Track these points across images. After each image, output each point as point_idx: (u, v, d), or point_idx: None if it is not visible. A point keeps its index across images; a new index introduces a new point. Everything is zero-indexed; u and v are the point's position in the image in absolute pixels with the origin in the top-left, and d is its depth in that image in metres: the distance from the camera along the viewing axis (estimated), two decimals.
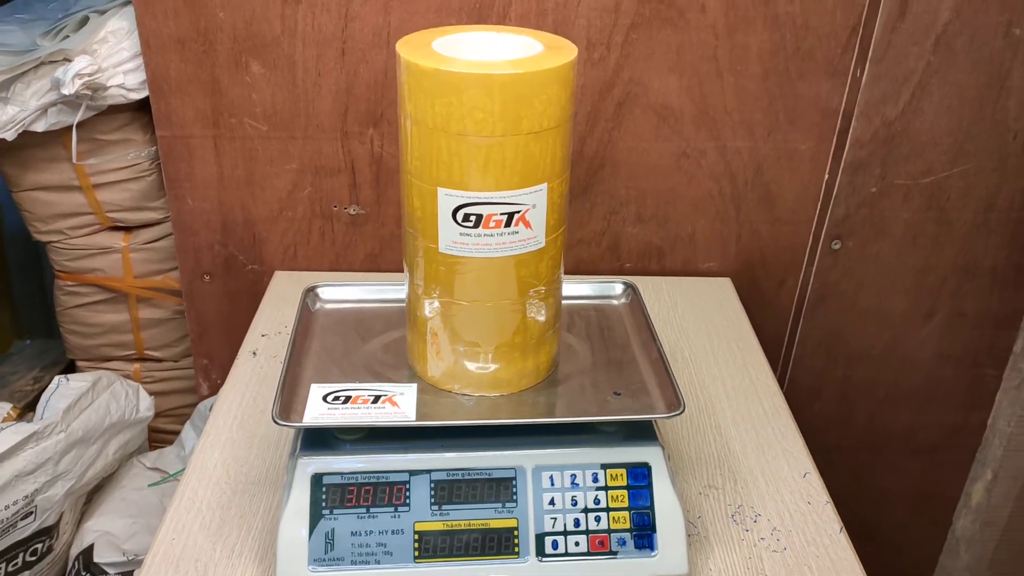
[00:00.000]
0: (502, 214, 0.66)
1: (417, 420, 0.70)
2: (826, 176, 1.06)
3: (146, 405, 1.16)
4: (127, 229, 1.15)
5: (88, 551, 1.07)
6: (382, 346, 0.79)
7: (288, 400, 0.71)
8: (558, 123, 0.66)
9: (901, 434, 1.22)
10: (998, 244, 1.09)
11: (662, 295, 1.09)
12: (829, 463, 1.07)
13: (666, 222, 1.09)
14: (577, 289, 0.87)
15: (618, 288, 0.87)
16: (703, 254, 1.12)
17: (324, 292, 0.85)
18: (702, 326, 1.03)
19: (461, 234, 0.67)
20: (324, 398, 0.71)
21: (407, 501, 0.69)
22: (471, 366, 0.73)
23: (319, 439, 0.71)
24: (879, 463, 1.25)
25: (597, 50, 0.99)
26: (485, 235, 0.67)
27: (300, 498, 0.68)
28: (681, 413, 0.70)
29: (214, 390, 1.19)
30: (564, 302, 0.79)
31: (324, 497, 0.69)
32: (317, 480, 0.69)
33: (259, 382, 0.91)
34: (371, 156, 1.04)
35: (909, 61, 0.98)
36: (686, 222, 1.09)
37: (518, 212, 0.67)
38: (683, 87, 1.01)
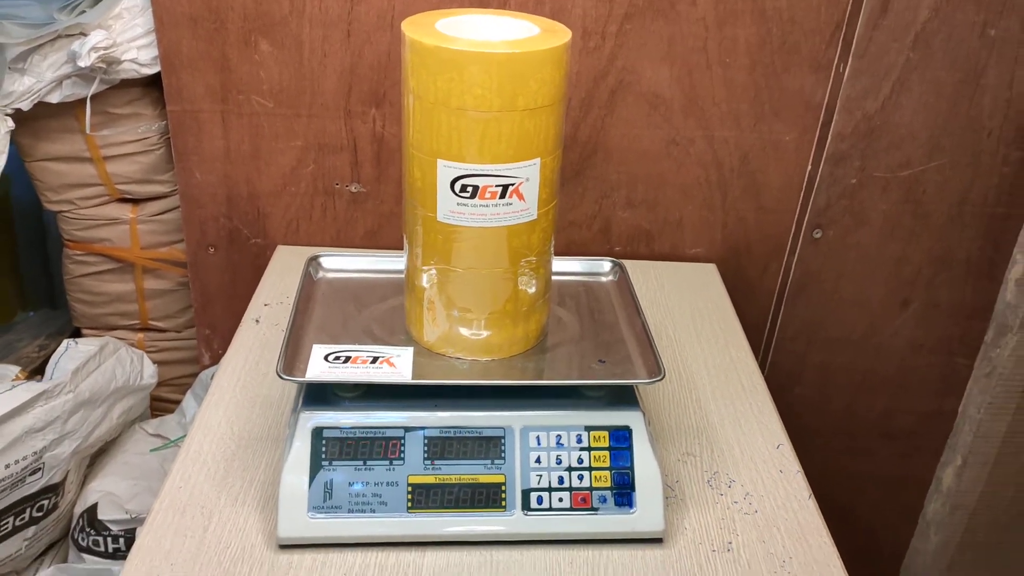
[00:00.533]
0: (497, 186, 0.71)
1: (412, 379, 0.74)
2: (808, 167, 1.11)
3: (150, 372, 1.20)
4: (135, 201, 1.19)
5: (92, 509, 1.11)
6: (381, 313, 0.84)
7: (291, 359, 0.75)
8: (552, 102, 0.70)
9: (877, 419, 1.27)
10: (972, 237, 1.14)
11: (650, 278, 1.13)
12: (807, 446, 1.11)
13: (655, 207, 1.14)
14: (567, 266, 0.91)
15: (606, 266, 0.92)
16: (690, 240, 1.16)
17: (326, 261, 0.89)
18: (687, 308, 1.08)
19: (458, 204, 0.71)
20: (325, 358, 0.76)
21: (401, 455, 0.73)
22: (464, 331, 0.77)
23: (320, 396, 0.76)
24: (855, 447, 1.29)
25: (592, 39, 1.03)
26: (480, 205, 0.71)
27: (301, 450, 0.73)
28: (661, 379, 0.74)
29: (215, 360, 1.23)
30: (555, 278, 0.84)
31: (324, 449, 0.73)
32: (317, 433, 0.73)
33: (261, 347, 0.95)
34: (373, 135, 1.08)
35: (889, 57, 1.02)
36: (674, 208, 1.14)
37: (512, 184, 0.71)
38: (674, 77, 1.06)
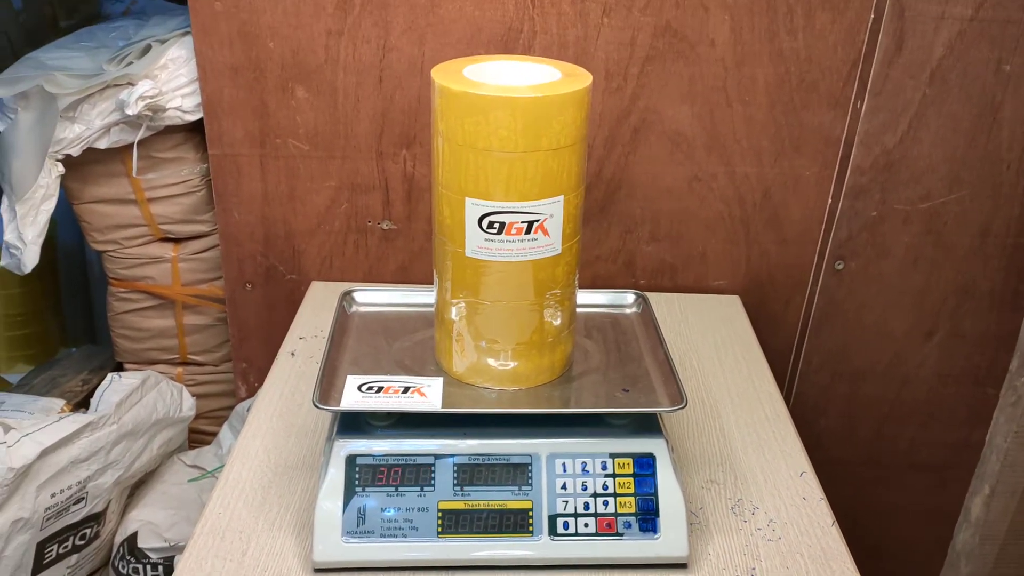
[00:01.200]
0: (523, 222, 0.74)
1: (442, 408, 0.77)
2: (829, 200, 1.13)
3: (188, 405, 1.24)
4: (177, 240, 1.24)
5: (132, 538, 1.14)
6: (412, 345, 0.87)
7: (326, 389, 0.78)
8: (574, 141, 0.73)
9: (904, 450, 1.27)
10: (995, 267, 1.15)
11: (674, 310, 1.15)
12: (834, 478, 1.12)
13: (679, 241, 1.16)
14: (592, 298, 0.94)
15: (630, 298, 0.94)
16: (714, 272, 1.18)
17: (360, 296, 0.93)
18: (710, 339, 1.10)
19: (486, 240, 0.75)
20: (359, 388, 0.79)
21: (432, 482, 0.76)
22: (492, 362, 0.80)
23: (353, 424, 0.79)
24: (883, 479, 1.30)
25: (615, 80, 1.07)
26: (507, 241, 0.74)
27: (336, 476, 0.76)
28: (684, 407, 0.76)
29: (251, 393, 1.27)
30: (579, 310, 0.86)
31: (357, 476, 0.76)
32: (351, 461, 0.76)
33: (297, 379, 0.99)
34: (403, 175, 1.13)
35: (906, 93, 1.05)
36: (698, 242, 1.16)
37: (537, 221, 0.74)
38: (695, 115, 1.09)
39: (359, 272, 1.19)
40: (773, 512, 0.83)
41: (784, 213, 1.14)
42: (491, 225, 0.74)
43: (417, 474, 0.76)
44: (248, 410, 0.97)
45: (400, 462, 0.77)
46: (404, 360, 0.84)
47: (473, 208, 0.74)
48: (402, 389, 0.79)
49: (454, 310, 0.79)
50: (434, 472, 0.76)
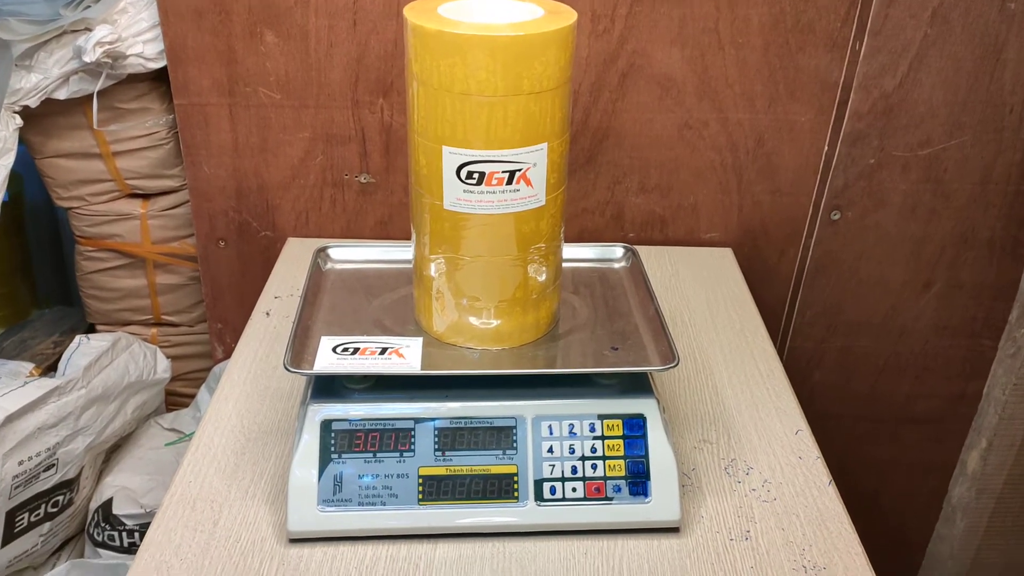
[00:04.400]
0: (504, 172, 0.69)
1: (422, 370, 0.73)
2: (825, 148, 1.08)
3: (163, 367, 1.20)
4: (145, 196, 1.19)
5: (107, 504, 1.11)
6: (390, 303, 0.82)
7: (299, 351, 0.74)
8: (557, 84, 0.68)
9: (901, 403, 1.25)
10: (995, 216, 1.11)
11: (664, 264, 1.11)
12: (829, 432, 1.10)
13: (669, 192, 1.12)
14: (579, 252, 0.90)
15: (618, 252, 0.90)
16: (705, 224, 1.14)
17: (335, 252, 0.88)
18: (702, 293, 1.06)
19: (465, 191, 0.70)
20: (334, 349, 0.75)
21: (412, 447, 0.72)
22: (474, 320, 0.76)
23: (328, 388, 0.75)
24: (879, 432, 1.27)
25: (601, 22, 1.01)
26: (488, 192, 0.70)
27: (310, 443, 0.72)
28: (675, 366, 0.73)
29: (228, 354, 1.23)
30: (566, 265, 0.82)
31: (333, 442, 0.72)
32: (326, 426, 0.72)
33: (272, 340, 0.95)
34: (381, 125, 1.07)
35: (906, 33, 1.00)
36: (688, 192, 1.12)
37: (519, 170, 0.70)
38: (685, 59, 1.04)
39: (336, 228, 1.14)
40: (768, 472, 0.80)
41: (778, 161, 1.10)
42: (470, 175, 0.69)
43: (396, 439, 0.73)
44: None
45: (378, 427, 0.73)
46: (382, 319, 0.80)
47: (451, 157, 0.69)
48: (379, 350, 0.75)
49: (433, 266, 0.75)
50: (414, 437, 0.73)
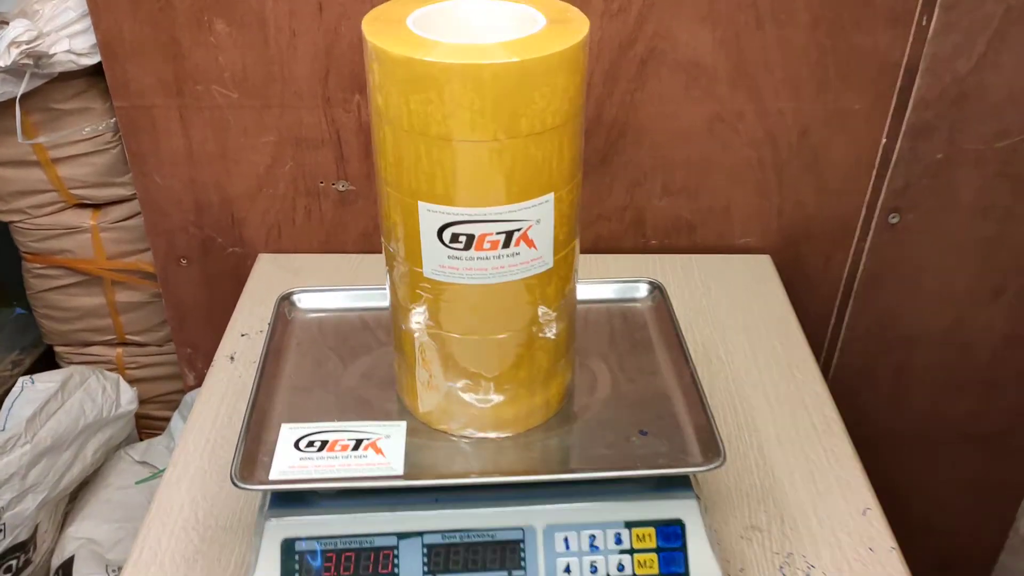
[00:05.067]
0: (499, 233, 0.54)
1: (405, 475, 0.59)
2: (883, 140, 0.92)
3: (128, 398, 1.07)
4: (95, 206, 1.04)
5: (68, 564, 0.98)
6: (367, 367, 0.68)
7: (252, 447, 0.60)
8: (566, 119, 0.52)
9: (961, 421, 1.10)
10: None
11: (692, 276, 0.96)
12: (879, 451, 0.96)
13: (697, 194, 0.96)
14: (594, 291, 0.75)
15: (642, 289, 0.75)
16: (739, 228, 0.98)
17: (301, 300, 0.74)
18: (739, 315, 0.91)
19: (450, 257, 0.55)
20: (296, 444, 0.61)
21: (395, 570, 0.58)
22: (469, 403, 0.61)
23: (291, 492, 0.61)
24: (934, 452, 1.13)
25: (615, 0, 0.84)
26: (479, 258, 0.54)
27: (269, 569, 0.58)
28: (721, 465, 0.58)
29: (200, 380, 1.09)
30: (580, 306, 0.67)
31: (297, 567, 0.58)
32: (288, 547, 0.58)
33: (235, 396, 0.80)
34: (359, 126, 0.91)
35: (985, 7, 0.83)
36: (720, 194, 0.96)
37: (518, 230, 0.54)
38: (717, 41, 0.87)
39: (314, 241, 0.99)
40: (834, 570, 0.66)
41: (826, 156, 0.93)
42: (455, 238, 0.54)
43: (375, 560, 0.59)
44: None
45: (353, 545, 0.59)
46: (358, 390, 0.66)
47: (430, 216, 0.54)
48: (352, 443, 0.61)
49: (416, 342, 0.60)
50: (397, 557, 0.59)
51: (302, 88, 0.89)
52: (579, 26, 0.53)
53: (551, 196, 0.54)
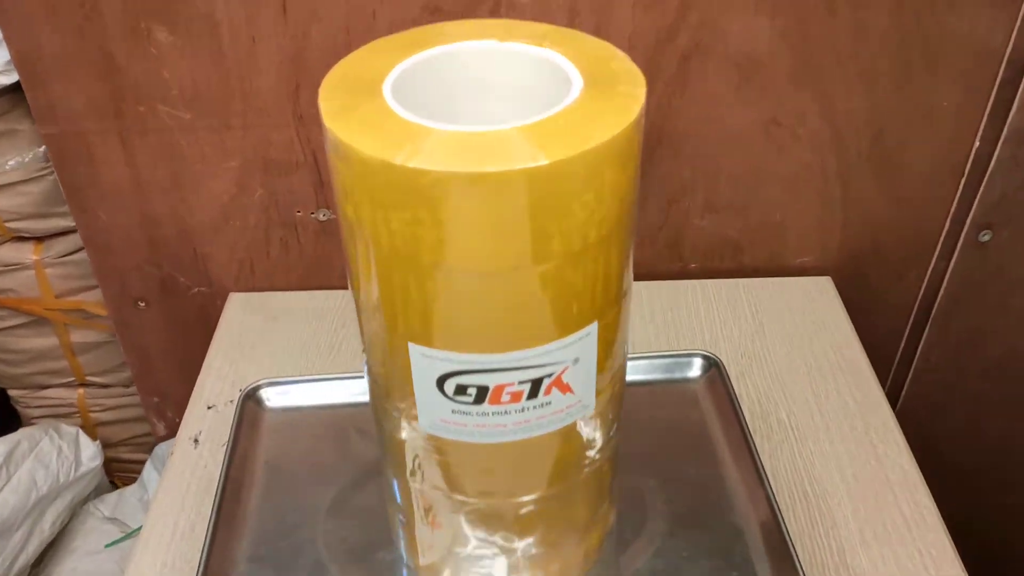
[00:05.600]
0: (522, 383, 0.39)
1: None
2: (976, 143, 0.76)
3: (90, 454, 0.93)
4: (37, 239, 0.88)
5: None
6: (353, 501, 0.54)
7: None
8: (615, 225, 0.37)
9: None
10: None
11: (741, 307, 0.81)
12: (952, 486, 0.83)
13: (746, 210, 0.80)
14: (635, 369, 0.60)
15: (696, 366, 0.60)
16: (795, 247, 0.83)
17: (270, 397, 0.59)
18: (798, 356, 0.76)
19: (455, 412, 0.40)
20: None
21: None
22: (484, 567, 0.47)
23: None
24: (1013, 484, 0.99)
25: None
26: (496, 413, 0.40)
27: None
28: None
29: (172, 429, 0.95)
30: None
31: None
32: None
33: (200, 493, 0.66)
34: None
35: None
36: (773, 208, 0.80)
37: (550, 375, 0.39)
38: (776, 30, 0.70)
39: (292, 277, 0.84)
40: None
41: (902, 160, 0.77)
42: (462, 390, 0.39)
43: None
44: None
45: None
46: (340, 533, 0.52)
47: (426, 362, 0.39)
48: None
49: (414, 501, 0.45)
50: None
51: (268, 104, 0.73)
52: (630, 86, 0.37)
53: (594, 326, 0.39)
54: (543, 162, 0.33)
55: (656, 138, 0.76)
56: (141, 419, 1.02)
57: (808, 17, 0.70)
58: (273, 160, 0.76)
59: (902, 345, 0.89)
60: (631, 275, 0.42)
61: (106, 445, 1.02)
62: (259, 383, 0.59)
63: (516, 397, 0.39)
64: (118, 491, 1.02)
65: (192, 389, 0.74)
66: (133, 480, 1.04)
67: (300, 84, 0.72)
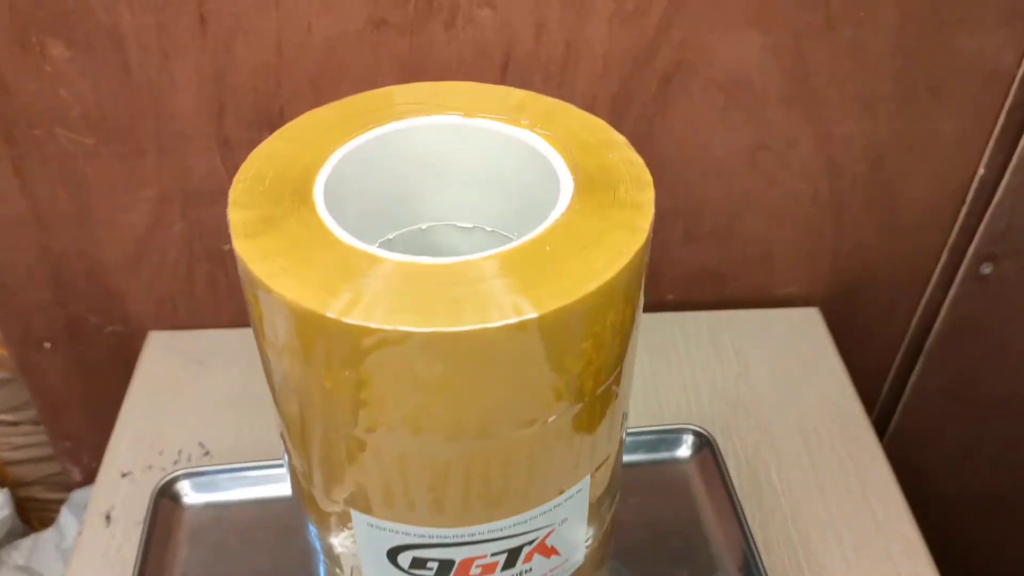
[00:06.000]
0: (496, 554, 0.31)
1: None
2: (980, 171, 0.69)
3: None
4: None
5: None
6: None
7: None
8: (614, 372, 0.29)
9: None
10: None
11: (723, 344, 0.74)
12: (940, 515, 0.78)
13: (729, 239, 0.73)
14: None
15: (687, 445, 0.53)
16: (781, 276, 0.76)
17: (188, 493, 0.50)
18: (789, 409, 0.69)
19: None
20: None
21: None
22: None
23: None
24: (1005, 513, 0.94)
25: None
26: None
27: None
28: None
29: (89, 476, 0.86)
30: None
31: None
32: None
33: None
34: None
35: None
36: (759, 238, 0.73)
37: (530, 543, 0.31)
38: (768, 48, 0.62)
39: (223, 314, 0.74)
40: None
41: (901, 188, 0.70)
42: (420, 563, 0.31)
43: None
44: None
45: None
46: None
47: (373, 533, 0.30)
48: None
49: None
50: None
51: (186, 128, 0.63)
52: (635, 190, 0.29)
53: (585, 482, 0.31)
54: (530, 316, 0.24)
55: None
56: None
57: (804, 33, 0.62)
58: (194, 190, 0.66)
59: (890, 375, 0.82)
60: (629, 400, 0.34)
61: (19, 484, 0.92)
62: (175, 474, 0.50)
63: (489, 569, 0.31)
64: (33, 535, 0.92)
65: (108, 434, 0.66)
66: (51, 521, 0.94)
67: (225, 105, 0.62)
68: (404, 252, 0.26)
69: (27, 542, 0.91)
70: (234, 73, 0.61)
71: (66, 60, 0.59)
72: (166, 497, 0.49)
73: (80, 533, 0.61)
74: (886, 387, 0.83)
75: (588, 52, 0.61)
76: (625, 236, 0.27)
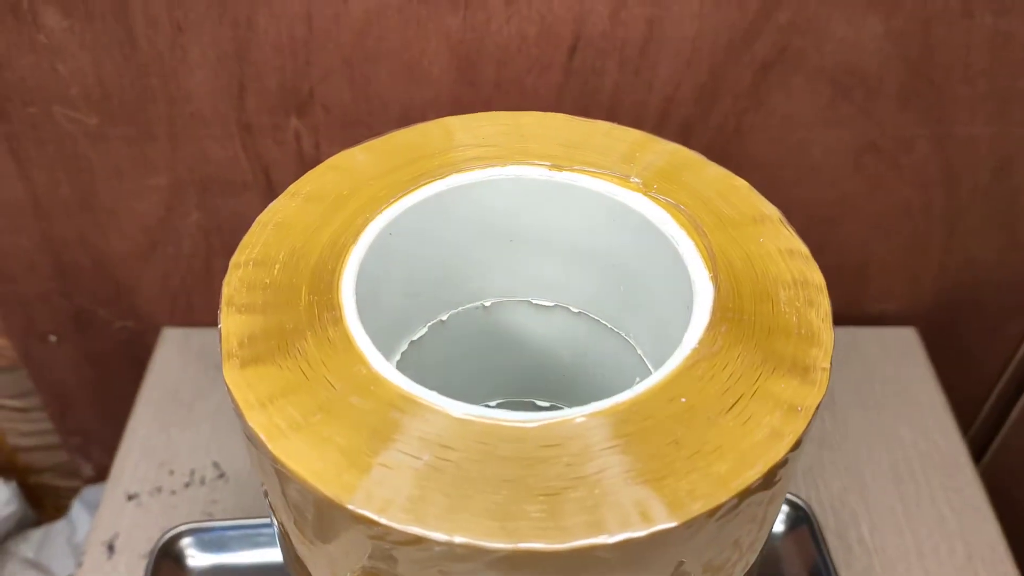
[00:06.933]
0: None
1: None
2: None
3: (3, 499, 0.78)
4: None
5: None
6: None
7: None
8: (750, 567, 0.20)
9: None
10: None
11: None
12: None
13: (823, 249, 0.63)
14: None
15: (780, 517, 0.44)
16: (876, 292, 0.67)
17: (192, 553, 0.43)
18: (880, 448, 0.60)
19: None
20: None
21: None
22: None
23: None
24: None
25: None
26: None
27: None
28: None
29: (101, 472, 0.80)
30: None
31: None
32: None
33: None
34: (299, 159, 0.57)
35: None
36: (856, 249, 0.64)
37: None
38: (890, 35, 0.52)
39: None
40: None
41: None
42: None
43: None
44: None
45: None
46: None
47: None
48: None
49: None
50: None
51: (203, 110, 0.54)
52: (802, 307, 0.20)
53: None
54: (665, 525, 0.16)
55: (718, 160, 0.58)
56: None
57: (935, 19, 0.51)
58: (212, 178, 0.58)
59: (990, 402, 0.73)
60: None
61: (31, 471, 0.87)
62: (178, 529, 0.43)
63: None
64: (44, 527, 0.86)
65: (119, 430, 0.59)
66: (63, 509, 0.88)
67: (247, 86, 0.53)
68: (460, 335, 0.18)
69: (37, 534, 0.86)
70: (256, 48, 0.52)
71: (63, 30, 0.51)
72: (168, 558, 0.42)
73: (80, 564, 0.55)
74: (982, 416, 0.74)
75: (675, 34, 0.52)
76: (793, 386, 0.18)
